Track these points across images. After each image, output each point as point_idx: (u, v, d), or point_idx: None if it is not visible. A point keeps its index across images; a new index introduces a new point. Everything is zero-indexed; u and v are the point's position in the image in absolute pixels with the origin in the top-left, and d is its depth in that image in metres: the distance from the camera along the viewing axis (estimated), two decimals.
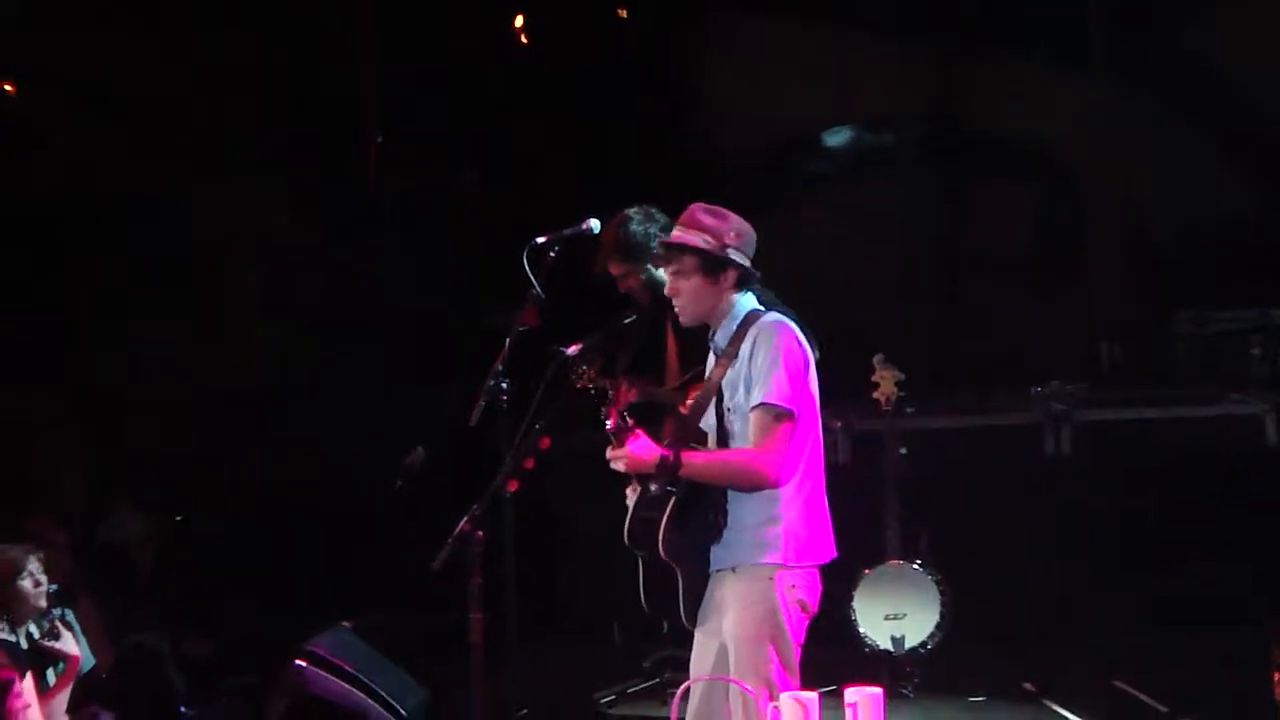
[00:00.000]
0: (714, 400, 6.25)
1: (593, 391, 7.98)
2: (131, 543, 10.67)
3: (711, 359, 6.37)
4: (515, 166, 11.79)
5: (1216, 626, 10.00)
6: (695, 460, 6.10)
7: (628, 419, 6.11)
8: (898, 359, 9.68)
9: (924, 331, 11.69)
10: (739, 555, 6.11)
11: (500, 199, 11.47)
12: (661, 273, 7.97)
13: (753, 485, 6.06)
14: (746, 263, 6.24)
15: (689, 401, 6.41)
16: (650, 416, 8.12)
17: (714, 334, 6.33)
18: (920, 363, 10.09)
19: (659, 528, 6.08)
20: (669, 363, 8.37)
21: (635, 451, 6.09)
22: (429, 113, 11.82)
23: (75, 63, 11.35)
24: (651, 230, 8.06)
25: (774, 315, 6.24)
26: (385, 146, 11.95)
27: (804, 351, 6.18)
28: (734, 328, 6.23)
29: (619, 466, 6.15)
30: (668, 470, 6.05)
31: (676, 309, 6.33)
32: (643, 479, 6.18)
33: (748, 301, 6.27)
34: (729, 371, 6.18)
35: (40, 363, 11.39)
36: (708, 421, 6.31)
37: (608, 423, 6.13)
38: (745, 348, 6.16)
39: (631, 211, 8.08)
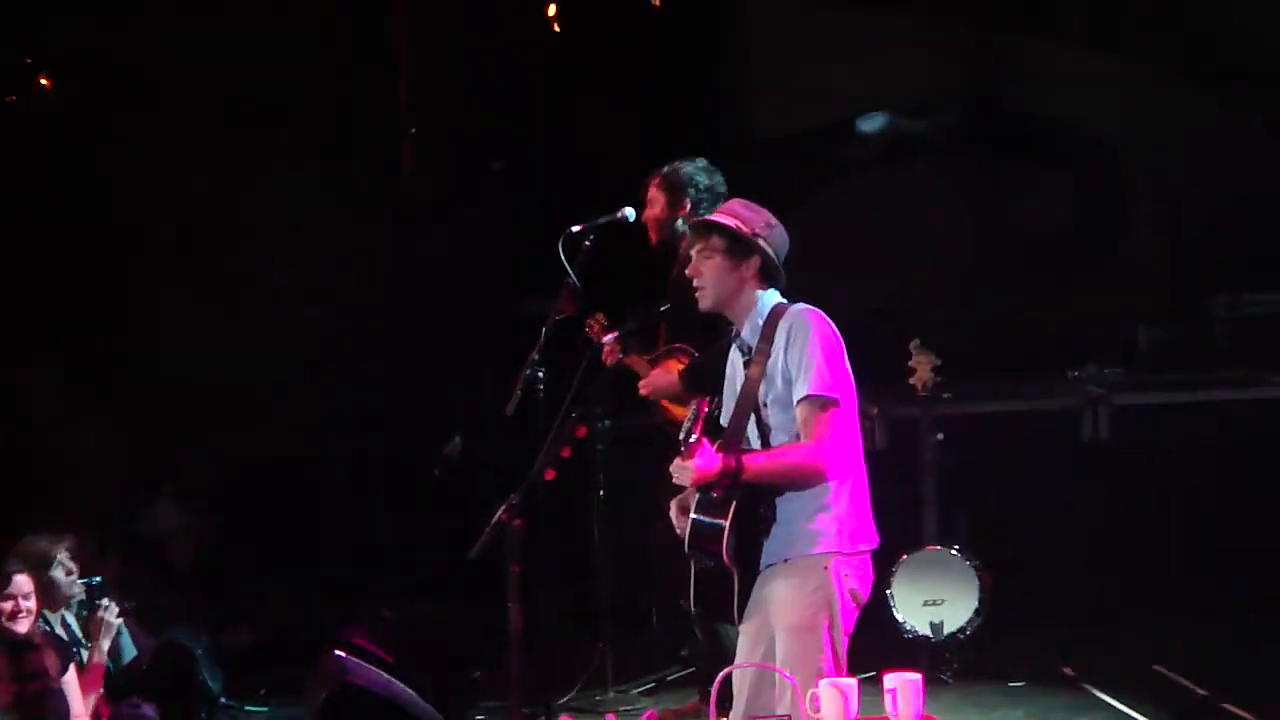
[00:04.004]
0: (753, 403, 6.19)
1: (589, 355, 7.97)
2: (171, 534, 10.70)
3: (736, 357, 6.31)
4: (549, 154, 11.78)
5: (1258, 613, 9.98)
6: (756, 464, 6.06)
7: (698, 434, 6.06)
8: (934, 344, 9.67)
9: (960, 316, 11.65)
10: (792, 547, 6.09)
11: (535, 186, 11.45)
12: (681, 223, 8.06)
13: (813, 480, 6.05)
14: (773, 254, 6.21)
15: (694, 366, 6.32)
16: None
17: (738, 332, 6.29)
18: (957, 348, 10.06)
19: (723, 533, 6.03)
20: (659, 338, 8.35)
21: (701, 466, 6.03)
22: (463, 101, 11.82)
23: (112, 51, 11.37)
24: (699, 179, 8.21)
25: (802, 305, 6.23)
26: (420, 136, 11.95)
27: (838, 337, 6.17)
28: (760, 323, 6.20)
29: (684, 480, 6.08)
30: (731, 478, 6.03)
31: (697, 292, 6.28)
32: (703, 487, 6.12)
33: (771, 297, 6.24)
34: (765, 368, 6.14)
35: (79, 354, 11.42)
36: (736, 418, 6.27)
37: (691, 438, 6.06)
38: (779, 341, 6.13)
39: (700, 159, 8.24)
